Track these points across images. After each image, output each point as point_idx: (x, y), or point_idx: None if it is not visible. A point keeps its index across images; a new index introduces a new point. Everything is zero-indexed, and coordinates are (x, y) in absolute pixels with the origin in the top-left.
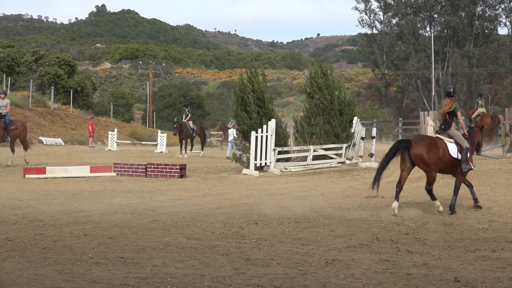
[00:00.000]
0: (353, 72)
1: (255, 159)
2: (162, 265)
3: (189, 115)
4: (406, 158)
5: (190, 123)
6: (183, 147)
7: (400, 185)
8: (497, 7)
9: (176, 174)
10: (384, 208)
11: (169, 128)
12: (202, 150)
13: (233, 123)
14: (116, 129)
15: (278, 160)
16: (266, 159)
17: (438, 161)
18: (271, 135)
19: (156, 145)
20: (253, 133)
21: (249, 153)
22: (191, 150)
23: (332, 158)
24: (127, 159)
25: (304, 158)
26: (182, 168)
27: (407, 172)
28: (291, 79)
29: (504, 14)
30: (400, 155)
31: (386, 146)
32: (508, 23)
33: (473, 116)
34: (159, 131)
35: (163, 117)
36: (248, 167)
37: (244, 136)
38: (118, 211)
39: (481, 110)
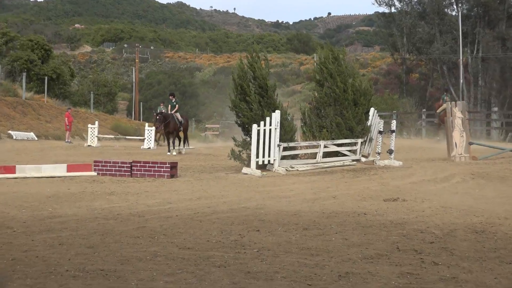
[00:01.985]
0: (369, 57)
1: (257, 157)
2: (149, 278)
3: (177, 106)
4: None
5: (178, 115)
6: (171, 143)
7: None
8: None
9: (165, 174)
10: (406, 213)
11: None
12: (184, 147)
13: (164, 110)
14: (97, 122)
15: (283, 158)
16: (269, 156)
17: None
18: (275, 128)
19: (143, 140)
20: (254, 127)
21: (250, 150)
22: (184, 145)
23: (345, 155)
24: (109, 156)
25: (313, 155)
26: (173, 166)
27: None
28: (298, 64)
29: None
30: None
31: (407, 142)
32: None
33: (438, 111)
34: (147, 124)
35: (151, 108)
36: (248, 165)
37: (244, 129)
38: (98, 216)
39: (446, 105)
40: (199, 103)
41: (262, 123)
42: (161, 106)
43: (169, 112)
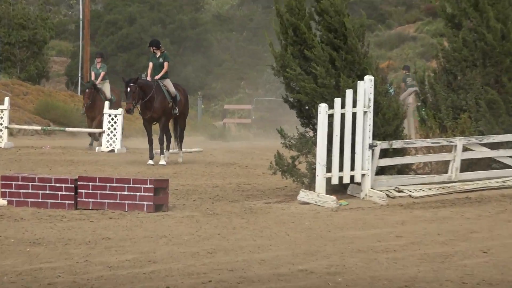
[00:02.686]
0: None
1: (328, 169)
2: None
3: (166, 65)
4: None
5: (169, 84)
6: (161, 142)
7: None
8: None
9: (145, 203)
10: None
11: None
12: (181, 149)
13: (104, 72)
14: (7, 99)
15: (381, 171)
16: (353, 168)
17: None
18: (365, 112)
19: (100, 135)
20: (322, 109)
21: (313, 155)
22: (180, 146)
23: (508, 166)
24: (32, 168)
25: (442, 167)
26: (160, 188)
27: None
28: None
29: None
30: None
31: None
32: None
33: None
34: (107, 103)
35: (115, 71)
36: (311, 186)
37: (301, 115)
38: (10, 287)
39: None
40: (211, 62)
41: (337, 101)
42: (97, 65)
43: (149, 77)
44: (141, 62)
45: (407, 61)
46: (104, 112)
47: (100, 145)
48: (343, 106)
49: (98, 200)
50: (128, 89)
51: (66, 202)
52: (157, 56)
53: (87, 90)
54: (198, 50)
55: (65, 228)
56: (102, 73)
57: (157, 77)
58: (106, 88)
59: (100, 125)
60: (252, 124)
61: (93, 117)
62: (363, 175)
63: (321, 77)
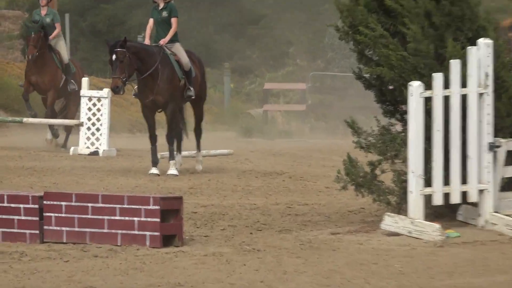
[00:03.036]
0: None
1: (428, 183)
2: None
3: (174, 20)
4: None
5: (181, 51)
6: (169, 139)
7: None
8: None
9: (148, 234)
10: None
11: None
12: (200, 150)
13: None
14: None
15: (509, 186)
16: (464, 181)
17: None
18: (481, 94)
19: (78, 126)
20: (414, 89)
21: (403, 161)
22: (199, 146)
23: None
24: None
25: None
26: (170, 211)
27: None
28: None
29: None
30: None
31: None
32: None
33: None
34: (85, 79)
35: (96, 31)
36: (401, 209)
37: (383, 99)
38: None
39: None
40: (242, 18)
41: (438, 77)
42: (42, 12)
43: (147, 40)
44: (135, 19)
45: None
46: (81, 93)
47: (70, 143)
48: (446, 85)
49: (76, 229)
50: (114, 56)
51: (27, 231)
52: (160, 8)
53: (33, 34)
54: (222, 0)
55: (26, 272)
56: (58, 26)
57: (162, 41)
58: (62, 48)
59: (52, 107)
60: (307, 112)
61: (36, 82)
62: (481, 191)
63: (414, 39)
